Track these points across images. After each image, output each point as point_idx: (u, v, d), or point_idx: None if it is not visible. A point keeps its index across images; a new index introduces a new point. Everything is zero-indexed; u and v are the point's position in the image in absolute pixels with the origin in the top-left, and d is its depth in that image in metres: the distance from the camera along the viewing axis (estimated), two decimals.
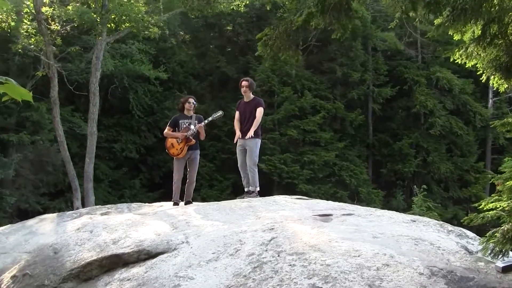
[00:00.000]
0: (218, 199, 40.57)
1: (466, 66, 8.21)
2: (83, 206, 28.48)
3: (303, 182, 42.37)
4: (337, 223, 9.04)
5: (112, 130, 41.99)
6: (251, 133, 13.32)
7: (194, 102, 13.79)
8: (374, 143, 50.20)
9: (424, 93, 49.15)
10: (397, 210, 42.63)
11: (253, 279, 6.89)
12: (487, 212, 7.34)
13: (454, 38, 8.31)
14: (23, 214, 30.91)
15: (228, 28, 50.92)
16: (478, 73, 8.25)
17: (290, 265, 7.04)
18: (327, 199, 41.21)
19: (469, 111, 50.99)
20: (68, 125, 36.17)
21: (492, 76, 8.03)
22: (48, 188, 34.91)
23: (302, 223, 8.87)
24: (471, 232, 9.13)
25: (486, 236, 7.34)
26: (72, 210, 27.95)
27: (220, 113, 13.86)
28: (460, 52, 7.85)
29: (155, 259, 8.43)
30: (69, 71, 35.45)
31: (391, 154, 49.32)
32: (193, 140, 13.46)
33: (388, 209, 37.23)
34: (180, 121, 13.66)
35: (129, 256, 8.75)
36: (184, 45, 48.97)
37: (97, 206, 14.92)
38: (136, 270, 8.28)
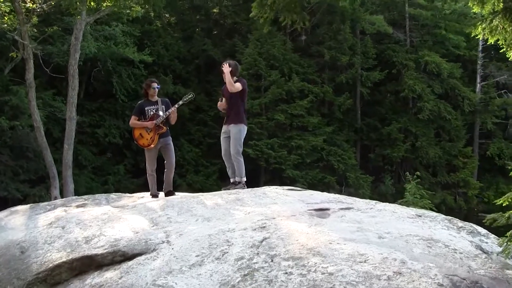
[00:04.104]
0: (204, 184, 40.11)
1: (488, 43, 7.27)
2: (62, 194, 27.63)
3: (291, 167, 42.07)
4: (335, 219, 8.15)
5: (95, 114, 41.40)
6: (226, 74, 12.46)
7: (158, 86, 12.71)
8: (363, 127, 50.03)
9: (413, 77, 49.18)
10: (385, 196, 42.33)
11: None
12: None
13: (473, 10, 7.36)
14: (2, 201, 30.02)
15: (215, 10, 50.53)
16: (501, 51, 7.31)
17: (286, 273, 6.12)
18: (315, 185, 40.69)
19: (458, 96, 51.39)
20: (49, 109, 35.56)
21: None
22: (28, 175, 34.03)
23: (297, 220, 7.98)
24: (482, 228, 8.35)
25: (507, 236, 6.49)
26: (50, 199, 27.23)
27: (190, 95, 12.83)
28: (483, 26, 6.88)
29: (131, 262, 7.53)
30: (50, 53, 34.62)
31: (379, 138, 49.29)
32: (163, 127, 12.43)
33: (376, 194, 36.56)
34: (146, 108, 12.56)
35: (102, 258, 7.85)
36: (170, 28, 48.46)
37: (74, 197, 14.00)
38: (110, 275, 7.38)
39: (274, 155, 41.81)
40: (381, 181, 47.92)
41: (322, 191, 34.09)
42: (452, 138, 51.74)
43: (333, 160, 44.37)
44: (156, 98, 12.60)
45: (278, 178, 42.59)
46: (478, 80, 53.98)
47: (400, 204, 18.58)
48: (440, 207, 39.17)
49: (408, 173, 24.57)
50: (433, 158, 49.02)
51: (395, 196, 42.26)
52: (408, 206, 18.52)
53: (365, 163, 50.05)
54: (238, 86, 12.40)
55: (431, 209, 19.55)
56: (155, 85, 12.59)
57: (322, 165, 44.46)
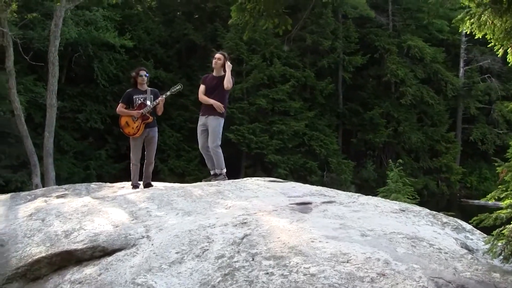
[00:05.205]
0: (186, 169, 39.96)
1: (476, 37, 7.09)
2: (43, 182, 27.47)
3: (272, 152, 41.85)
4: (318, 214, 8.05)
5: (76, 100, 41.17)
6: (228, 68, 12.28)
7: (146, 75, 12.51)
8: (345, 112, 49.86)
9: (395, 61, 48.96)
10: (367, 181, 42.24)
11: None
12: (500, 211, 6.32)
13: (462, 3, 7.17)
14: None
15: None
16: (489, 45, 7.14)
17: (267, 273, 6.00)
18: (297, 170, 40.44)
19: (440, 80, 51.17)
20: (30, 95, 35.26)
21: (510, 49, 6.89)
22: (10, 160, 33.81)
23: (279, 215, 7.86)
24: (466, 224, 8.23)
25: (493, 235, 6.37)
26: (31, 185, 27.05)
27: (178, 86, 12.64)
28: (472, 21, 6.69)
29: (111, 258, 7.40)
30: (31, 39, 34.35)
31: (361, 123, 49.15)
32: (150, 117, 12.28)
33: (358, 179, 36.31)
34: (134, 97, 12.37)
35: (82, 253, 7.72)
36: (151, 12, 48.08)
37: (54, 187, 13.84)
38: (89, 271, 7.25)
39: (256, 140, 41.64)
40: (363, 166, 47.86)
41: (304, 176, 34.02)
42: (435, 123, 51.66)
43: (315, 145, 44.22)
44: (145, 87, 12.42)
45: (259, 163, 42.53)
46: (461, 64, 53.92)
47: (382, 192, 18.57)
48: (422, 193, 39.26)
49: (390, 160, 24.57)
50: (415, 143, 48.95)
51: (377, 181, 42.30)
52: (390, 194, 18.52)
53: (347, 148, 49.99)
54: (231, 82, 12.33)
55: (414, 197, 19.53)
56: (143, 72, 12.41)
57: (304, 150, 44.29)
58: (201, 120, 12.53)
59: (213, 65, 12.55)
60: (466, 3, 6.90)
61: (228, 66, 12.26)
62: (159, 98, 12.23)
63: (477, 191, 47.49)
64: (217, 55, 12.54)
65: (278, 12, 7.68)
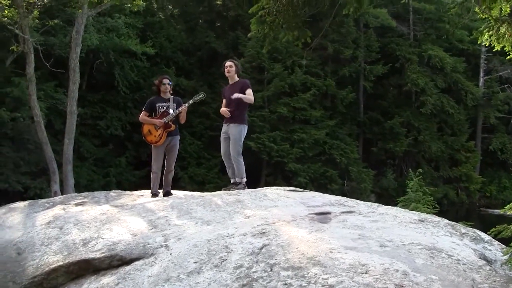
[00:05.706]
0: (205, 177, 39.90)
1: (494, 49, 7.05)
2: (62, 189, 27.57)
3: (293, 161, 41.75)
4: (337, 225, 7.99)
5: (97, 106, 41.25)
6: (238, 95, 12.34)
7: (170, 83, 12.56)
8: (365, 121, 49.87)
9: (416, 71, 48.94)
10: (387, 190, 42.02)
11: None
12: None
13: (479, 16, 7.14)
14: (2, 194, 29.92)
15: (218, 2, 50.18)
16: (508, 57, 7.09)
17: (286, 284, 5.95)
18: (317, 179, 40.30)
19: (461, 90, 51.10)
20: (51, 101, 35.36)
21: None
22: (29, 166, 33.90)
23: (298, 225, 7.82)
24: (485, 234, 8.14)
25: (511, 246, 6.31)
26: (50, 192, 27.13)
27: (201, 95, 12.66)
28: (490, 33, 6.64)
29: (128, 267, 7.38)
30: (52, 45, 34.49)
31: (382, 132, 49.03)
32: (172, 125, 12.30)
33: (378, 188, 36.16)
34: (157, 105, 12.42)
35: (100, 262, 7.72)
36: (173, 20, 48.31)
37: (73, 194, 13.85)
38: (107, 281, 7.24)
39: (276, 148, 41.53)
40: (383, 175, 47.71)
41: (324, 185, 33.91)
42: (455, 133, 51.59)
43: (335, 153, 44.05)
44: (168, 95, 12.49)
45: (280, 172, 42.40)
46: (481, 74, 53.80)
47: (402, 201, 18.47)
48: (442, 202, 39.06)
49: (410, 169, 24.46)
50: (435, 152, 48.82)
51: (397, 190, 42.15)
52: (410, 204, 18.42)
53: (367, 157, 49.84)
54: (250, 95, 12.46)
55: (434, 207, 19.39)
56: (166, 81, 12.47)
57: (324, 158, 44.10)
58: (224, 127, 12.71)
59: (226, 74, 12.67)
60: (485, 16, 6.85)
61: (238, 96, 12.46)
62: (182, 107, 12.25)
63: (497, 200, 47.49)
64: (228, 63, 12.73)
65: (298, 25, 7.62)
